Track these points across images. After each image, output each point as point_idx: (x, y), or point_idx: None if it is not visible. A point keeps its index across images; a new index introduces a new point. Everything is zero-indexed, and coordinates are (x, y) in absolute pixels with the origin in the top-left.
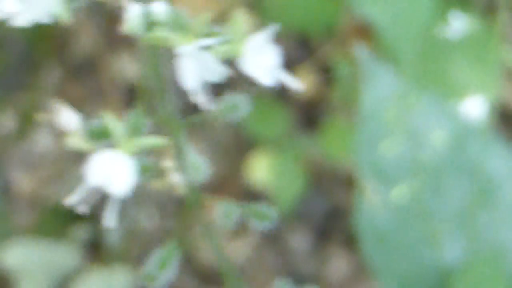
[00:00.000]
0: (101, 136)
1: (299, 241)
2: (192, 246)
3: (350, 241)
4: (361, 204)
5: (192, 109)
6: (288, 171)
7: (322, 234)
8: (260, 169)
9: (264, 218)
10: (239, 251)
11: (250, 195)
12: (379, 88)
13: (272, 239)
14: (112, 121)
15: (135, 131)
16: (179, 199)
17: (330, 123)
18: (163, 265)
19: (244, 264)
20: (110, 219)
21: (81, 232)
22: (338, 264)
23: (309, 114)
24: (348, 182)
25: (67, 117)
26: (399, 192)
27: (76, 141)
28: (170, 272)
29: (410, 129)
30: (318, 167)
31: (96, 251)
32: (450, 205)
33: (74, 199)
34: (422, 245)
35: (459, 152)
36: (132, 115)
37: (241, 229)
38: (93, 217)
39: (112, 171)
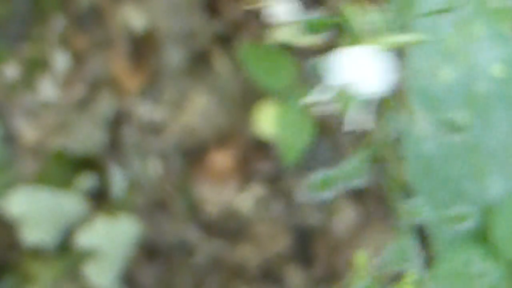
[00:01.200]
0: (319, 30)
1: (306, 192)
2: (198, 198)
3: (357, 193)
4: (410, 130)
5: None
6: (295, 122)
7: None
8: (267, 120)
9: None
10: (245, 203)
11: (257, 146)
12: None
13: (279, 191)
14: (354, 15)
15: (385, 27)
16: (186, 150)
17: None
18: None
19: (250, 216)
20: (368, 121)
21: (86, 181)
22: (345, 216)
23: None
24: (355, 133)
25: (281, 8)
26: (450, 122)
27: (288, 35)
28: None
29: (469, 58)
30: (325, 118)
31: (102, 200)
32: (497, 139)
33: (313, 98)
34: (467, 178)
35: (511, 84)
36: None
37: (247, 181)
38: (99, 166)
39: (364, 68)
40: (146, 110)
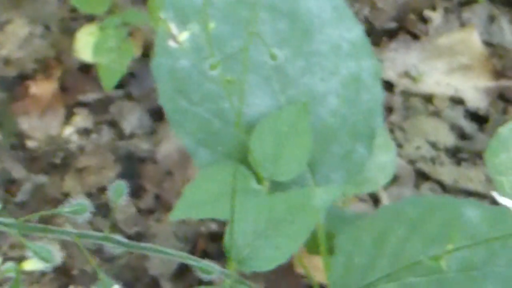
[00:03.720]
0: None
1: (133, 122)
2: (21, 131)
3: None
4: (162, 48)
5: None
6: (115, 47)
7: (156, 113)
8: (88, 46)
9: None
10: (69, 135)
11: (82, 75)
12: None
13: (105, 121)
14: None
15: None
16: (7, 82)
17: None
18: None
19: (75, 148)
20: None
21: None
22: (173, 145)
23: None
24: None
25: None
26: (195, 32)
27: None
28: None
29: None
30: (149, 43)
31: None
32: (262, 50)
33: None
34: (225, 97)
35: None
36: None
37: (71, 111)
38: None
39: None
40: None
